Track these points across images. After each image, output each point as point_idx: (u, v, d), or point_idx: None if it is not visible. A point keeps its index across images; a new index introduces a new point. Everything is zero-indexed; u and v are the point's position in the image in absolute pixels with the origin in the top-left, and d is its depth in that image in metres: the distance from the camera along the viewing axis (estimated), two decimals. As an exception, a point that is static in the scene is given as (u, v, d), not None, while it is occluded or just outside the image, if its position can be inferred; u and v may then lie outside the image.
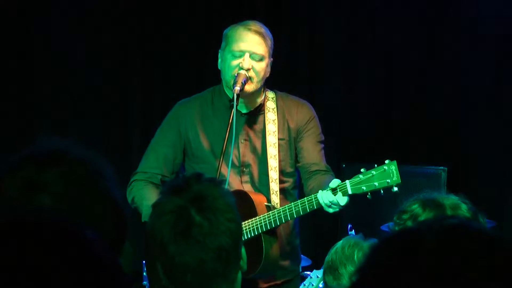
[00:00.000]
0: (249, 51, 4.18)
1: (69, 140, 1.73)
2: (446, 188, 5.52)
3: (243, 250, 2.43)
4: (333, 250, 3.64)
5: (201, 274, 2.32)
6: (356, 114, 6.25)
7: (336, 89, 6.23)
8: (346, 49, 6.25)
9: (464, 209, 3.06)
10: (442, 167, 5.74)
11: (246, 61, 4.17)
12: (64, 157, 1.69)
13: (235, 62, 4.19)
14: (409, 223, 3.04)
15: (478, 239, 1.24)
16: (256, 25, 4.24)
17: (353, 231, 4.96)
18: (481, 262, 1.20)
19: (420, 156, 6.00)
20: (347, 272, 3.50)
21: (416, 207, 3.07)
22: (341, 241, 3.66)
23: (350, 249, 3.56)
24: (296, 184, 4.41)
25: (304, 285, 4.85)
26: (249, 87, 4.18)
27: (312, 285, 4.86)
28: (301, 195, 4.29)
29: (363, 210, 5.36)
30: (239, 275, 2.41)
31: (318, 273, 4.81)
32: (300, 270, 4.58)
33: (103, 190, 1.67)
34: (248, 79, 4.17)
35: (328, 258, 3.65)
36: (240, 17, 4.49)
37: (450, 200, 3.09)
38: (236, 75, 4.16)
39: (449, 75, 6.13)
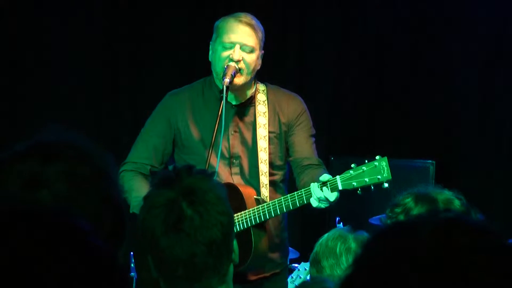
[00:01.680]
0: (239, 42, 4.18)
1: (77, 132, 1.71)
2: (434, 181, 5.55)
3: (235, 243, 2.42)
4: (318, 243, 3.64)
5: (192, 267, 2.31)
6: (345, 107, 6.27)
7: (325, 82, 6.25)
8: (336, 42, 6.26)
9: (457, 204, 3.08)
10: (430, 161, 5.77)
11: (237, 53, 4.17)
12: (70, 153, 1.67)
13: (225, 54, 4.19)
14: (401, 217, 3.06)
15: (473, 232, 1.23)
16: (247, 17, 4.24)
17: (341, 224, 4.98)
18: (477, 256, 1.19)
19: (409, 150, 6.03)
20: (328, 264, 3.51)
21: (409, 201, 3.09)
22: (327, 234, 3.67)
23: (333, 242, 3.56)
24: (286, 177, 4.41)
25: (292, 277, 4.87)
26: (239, 80, 4.18)
27: (300, 277, 4.88)
28: (293, 189, 4.28)
29: (351, 203, 5.37)
30: (231, 268, 2.40)
31: (306, 265, 4.83)
32: (288, 263, 4.59)
33: (105, 192, 1.67)
34: (237, 71, 4.17)
35: (314, 250, 3.66)
36: (231, 10, 4.48)
37: (444, 195, 3.11)
38: (225, 67, 4.16)
39: (438, 69, 6.16)
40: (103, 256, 1.25)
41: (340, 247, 3.54)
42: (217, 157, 4.15)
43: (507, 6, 6.00)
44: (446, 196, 3.11)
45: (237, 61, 4.17)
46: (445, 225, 1.24)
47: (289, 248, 4.59)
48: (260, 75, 4.40)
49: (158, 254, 2.33)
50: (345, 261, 3.49)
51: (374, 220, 5.00)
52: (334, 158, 5.86)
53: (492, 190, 6.05)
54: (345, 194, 4.02)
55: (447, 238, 1.21)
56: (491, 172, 6.06)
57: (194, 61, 6.06)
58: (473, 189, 5.82)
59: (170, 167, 4.39)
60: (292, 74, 6.20)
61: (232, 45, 4.19)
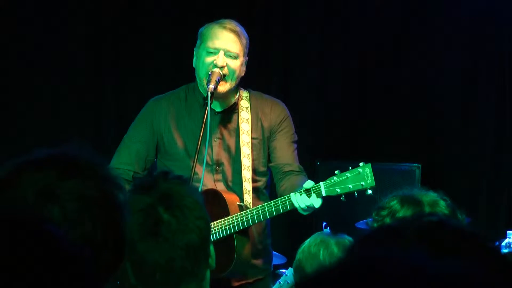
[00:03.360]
0: (223, 49, 4.20)
1: (96, 152, 1.75)
2: (420, 185, 5.57)
3: (211, 248, 2.43)
4: (300, 250, 3.65)
5: (170, 272, 2.33)
6: (330, 111, 6.28)
7: (309, 86, 6.26)
8: (319, 47, 6.28)
9: (442, 206, 3.08)
10: (416, 164, 5.78)
11: (220, 58, 4.18)
12: (86, 171, 1.70)
13: (209, 59, 4.20)
14: (388, 220, 3.06)
15: (457, 235, 1.23)
16: (231, 24, 4.26)
17: (328, 229, 4.99)
18: (463, 259, 1.18)
19: (395, 153, 6.04)
20: (312, 271, 3.51)
21: (394, 204, 3.09)
22: (308, 240, 3.67)
23: (316, 247, 3.58)
24: (268, 183, 4.43)
25: (280, 283, 4.87)
26: (223, 88, 4.20)
27: (288, 283, 4.88)
28: (273, 195, 4.30)
29: (337, 208, 5.38)
30: (208, 273, 2.41)
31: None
32: (272, 269, 4.59)
33: (112, 218, 1.70)
34: (222, 78, 4.18)
35: (296, 257, 3.66)
36: (213, 15, 4.49)
37: (429, 197, 3.11)
38: (210, 73, 4.17)
39: (421, 71, 6.18)
40: (72, 262, 1.26)
41: (323, 253, 3.55)
42: (201, 164, 4.16)
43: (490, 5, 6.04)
44: (431, 198, 3.11)
45: (221, 67, 4.18)
46: (429, 228, 1.23)
47: (277, 253, 4.61)
48: (244, 81, 4.42)
49: (136, 260, 2.34)
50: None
51: (361, 224, 5.02)
52: (320, 163, 5.87)
53: (477, 192, 6.08)
54: (331, 199, 4.03)
55: (431, 242, 1.21)
56: (476, 174, 6.09)
57: (178, 63, 6.07)
58: (458, 191, 5.84)
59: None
60: (276, 78, 6.21)
61: (216, 51, 4.20)
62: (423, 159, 5.86)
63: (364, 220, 4.83)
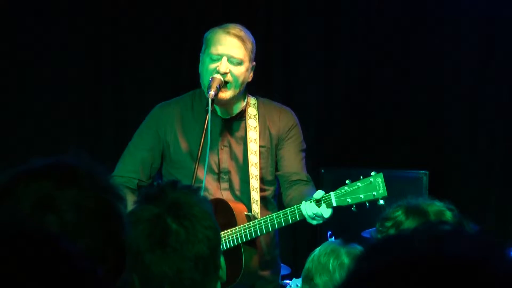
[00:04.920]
0: (226, 54, 4.17)
1: (96, 161, 1.72)
2: (428, 192, 5.53)
3: (222, 260, 2.39)
4: (310, 259, 3.60)
5: (179, 284, 2.28)
6: (334, 117, 6.23)
7: (314, 91, 6.21)
8: (325, 50, 6.23)
9: (448, 216, 3.05)
10: (423, 171, 5.72)
11: (223, 65, 4.15)
12: (86, 182, 1.68)
13: (212, 66, 4.17)
14: (392, 231, 3.02)
15: (473, 244, 1.19)
16: (235, 29, 4.22)
17: (333, 238, 4.94)
18: (481, 272, 1.14)
19: (401, 160, 5.99)
20: (322, 282, 3.47)
21: (399, 214, 3.06)
22: (318, 248, 3.63)
23: (326, 257, 3.52)
24: (276, 192, 4.39)
25: (284, 294, 4.84)
26: (225, 95, 4.17)
27: (293, 294, 4.84)
28: (280, 204, 4.28)
29: (343, 216, 5.33)
30: (218, 285, 2.37)
31: (298, 281, 4.79)
32: (280, 280, 4.56)
33: (110, 228, 1.68)
34: (223, 84, 4.15)
35: (305, 266, 3.61)
36: (214, 17, 4.45)
37: (434, 206, 3.08)
38: (210, 79, 4.14)
39: (430, 76, 6.13)
40: (84, 278, 1.22)
41: (333, 263, 3.51)
42: (204, 171, 4.12)
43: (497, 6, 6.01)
44: (437, 207, 3.09)
45: (224, 74, 4.15)
46: (442, 237, 1.20)
47: (281, 264, 4.57)
48: (248, 87, 4.38)
49: (144, 271, 2.30)
50: (339, 278, 3.46)
51: (367, 233, 4.98)
52: (324, 171, 5.82)
53: (486, 200, 6.03)
54: (336, 208, 3.99)
55: (445, 252, 1.17)
56: (485, 182, 6.04)
57: (178, 66, 6.05)
58: (468, 199, 5.80)
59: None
60: (279, 84, 6.17)
61: (219, 57, 4.18)
62: (431, 165, 5.82)
63: (370, 229, 4.79)
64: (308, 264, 3.61)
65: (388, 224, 3.06)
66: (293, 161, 4.28)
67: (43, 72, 6.09)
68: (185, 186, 2.42)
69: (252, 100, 4.36)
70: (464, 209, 3.23)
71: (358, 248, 3.65)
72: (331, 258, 3.53)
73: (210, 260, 2.31)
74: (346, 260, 3.52)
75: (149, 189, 2.60)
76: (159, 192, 2.37)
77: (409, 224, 3.02)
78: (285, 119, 4.33)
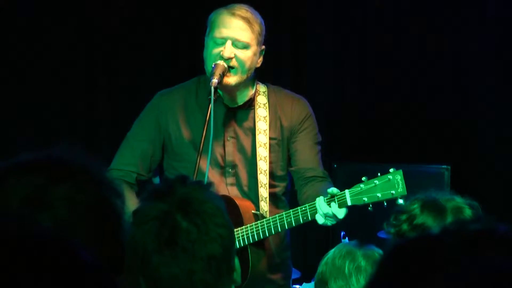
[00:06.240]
0: (231, 38, 4.10)
1: (89, 154, 1.72)
2: (449, 189, 5.54)
3: (236, 261, 2.37)
4: (323, 261, 3.59)
5: (190, 287, 2.27)
6: (348, 108, 6.21)
7: (325, 80, 6.21)
8: (337, 38, 6.24)
9: (467, 213, 3.05)
10: (445, 166, 5.70)
11: (227, 49, 4.08)
12: (79, 176, 1.67)
13: (216, 50, 4.11)
14: (405, 227, 3.03)
15: (508, 245, 1.20)
16: (241, 9, 4.16)
17: (346, 239, 4.97)
18: None
19: (421, 154, 5.98)
20: (337, 286, 3.48)
21: (415, 208, 3.07)
22: (332, 250, 3.62)
23: (341, 260, 3.52)
24: (288, 189, 4.31)
25: (295, 300, 4.86)
26: (230, 79, 4.09)
27: (303, 300, 4.86)
28: (293, 203, 4.20)
29: (358, 216, 5.36)
30: None
31: (309, 286, 4.81)
32: (291, 284, 4.52)
33: (106, 224, 1.68)
34: (226, 70, 4.08)
35: (319, 270, 3.63)
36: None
37: (453, 202, 3.07)
38: (213, 65, 4.07)
39: (451, 70, 6.14)
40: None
41: (348, 266, 3.51)
42: (207, 164, 4.08)
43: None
44: (456, 203, 3.07)
45: (228, 59, 4.09)
46: (476, 238, 1.21)
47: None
48: (259, 75, 4.31)
49: (152, 274, 2.28)
50: (355, 282, 3.46)
51: (383, 234, 4.99)
52: (337, 166, 5.82)
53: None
54: (351, 207, 4.00)
55: (483, 253, 1.18)
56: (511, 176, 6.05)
57: (176, 56, 6.05)
58: (493, 196, 5.81)
59: (156, 179, 4.36)
60: (289, 72, 6.17)
61: (223, 41, 4.11)
62: (453, 160, 5.81)
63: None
64: (322, 267, 3.60)
65: (403, 217, 3.06)
66: (308, 156, 4.22)
67: (35, 68, 6.13)
68: (196, 181, 2.43)
69: (261, 88, 4.29)
70: (490, 206, 3.25)
71: (375, 250, 3.66)
72: (347, 261, 3.52)
73: (224, 261, 2.30)
74: (363, 263, 3.52)
75: (155, 186, 2.61)
76: (167, 187, 2.36)
77: (423, 218, 3.01)
78: (298, 109, 4.27)
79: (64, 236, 1.27)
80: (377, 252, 3.68)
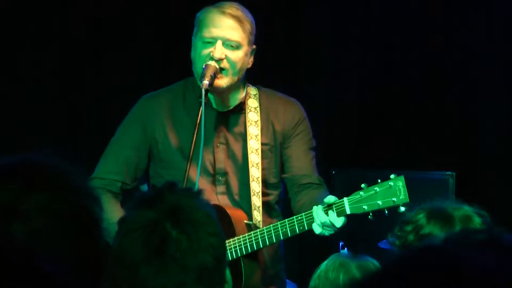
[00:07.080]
0: (221, 38, 4.09)
1: (66, 160, 1.71)
2: (454, 196, 5.55)
3: (228, 273, 2.38)
4: (316, 275, 3.62)
5: None
6: (347, 111, 6.23)
7: (322, 83, 6.23)
8: (335, 39, 6.26)
9: (477, 222, 3.06)
10: (449, 172, 5.72)
11: (218, 50, 4.07)
12: (55, 183, 1.67)
13: (206, 51, 4.10)
14: (411, 237, 3.04)
15: None
16: (232, 8, 4.14)
17: (345, 250, 4.99)
18: None
19: (424, 160, 6.00)
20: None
21: (421, 217, 3.08)
22: (325, 263, 3.65)
23: (334, 272, 3.54)
24: (281, 197, 4.30)
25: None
26: (220, 81, 4.07)
27: (298, 314, 4.87)
28: (286, 212, 4.19)
29: (357, 224, 5.38)
30: None
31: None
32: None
33: (87, 235, 1.68)
34: (218, 72, 4.07)
35: (311, 284, 3.65)
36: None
37: (461, 211, 3.08)
38: (204, 67, 4.06)
39: (457, 73, 6.16)
40: None
41: (343, 278, 3.54)
42: (197, 172, 4.05)
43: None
44: (464, 212, 3.08)
45: (219, 60, 4.08)
46: (482, 249, 1.21)
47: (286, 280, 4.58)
48: (250, 78, 4.30)
49: (139, 285, 2.28)
50: (350, 295, 3.49)
51: (385, 244, 5.01)
52: (335, 172, 5.83)
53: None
54: (350, 216, 4.01)
55: (488, 266, 1.18)
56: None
57: (167, 56, 6.07)
58: (500, 204, 5.83)
59: (143, 187, 4.37)
60: (285, 75, 6.18)
61: (213, 41, 4.10)
62: (457, 166, 5.84)
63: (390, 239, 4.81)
64: (314, 281, 3.62)
65: (408, 228, 3.06)
66: (302, 162, 4.23)
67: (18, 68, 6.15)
68: (185, 188, 2.44)
69: (252, 91, 4.28)
70: (497, 215, 3.27)
71: (369, 261, 3.68)
72: (341, 273, 3.55)
73: (216, 271, 2.31)
74: (357, 274, 3.56)
75: (142, 194, 2.61)
76: (155, 195, 2.37)
77: (430, 229, 3.02)
78: (292, 113, 4.26)
79: (29, 247, 1.27)
80: (372, 262, 3.71)
